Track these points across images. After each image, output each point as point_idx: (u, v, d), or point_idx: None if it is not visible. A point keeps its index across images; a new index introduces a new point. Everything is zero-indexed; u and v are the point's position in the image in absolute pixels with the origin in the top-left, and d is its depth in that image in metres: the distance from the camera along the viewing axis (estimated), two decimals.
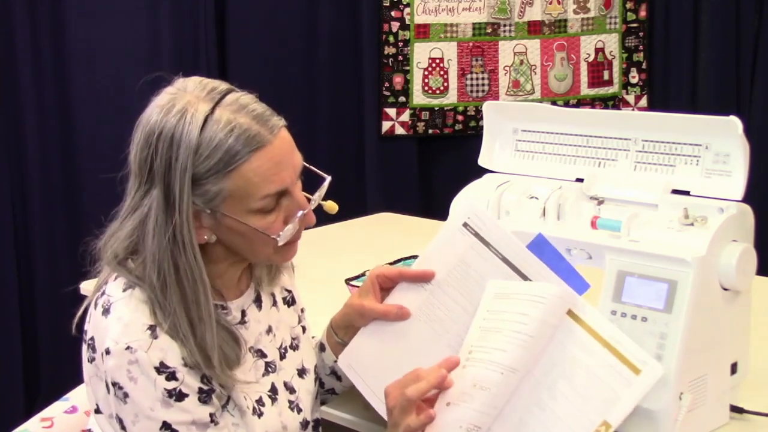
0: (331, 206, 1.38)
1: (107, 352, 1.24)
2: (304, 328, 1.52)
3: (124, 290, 1.28)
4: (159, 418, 1.24)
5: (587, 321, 1.34)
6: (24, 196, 3.29)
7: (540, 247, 1.40)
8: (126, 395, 1.24)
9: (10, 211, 3.24)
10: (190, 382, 1.26)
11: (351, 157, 3.74)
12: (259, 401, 1.35)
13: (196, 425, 1.26)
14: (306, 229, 1.36)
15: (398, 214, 3.02)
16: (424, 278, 1.42)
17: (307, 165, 1.34)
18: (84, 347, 1.30)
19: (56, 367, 3.32)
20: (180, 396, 1.25)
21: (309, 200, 1.33)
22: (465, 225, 1.43)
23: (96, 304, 1.29)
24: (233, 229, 1.28)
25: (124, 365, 1.23)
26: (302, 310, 1.53)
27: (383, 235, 2.72)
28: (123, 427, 1.27)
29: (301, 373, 1.46)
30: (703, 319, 1.39)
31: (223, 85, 1.29)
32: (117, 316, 1.25)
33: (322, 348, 1.53)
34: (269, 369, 1.40)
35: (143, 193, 1.27)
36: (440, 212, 1.85)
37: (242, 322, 1.38)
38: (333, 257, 2.45)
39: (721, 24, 3.66)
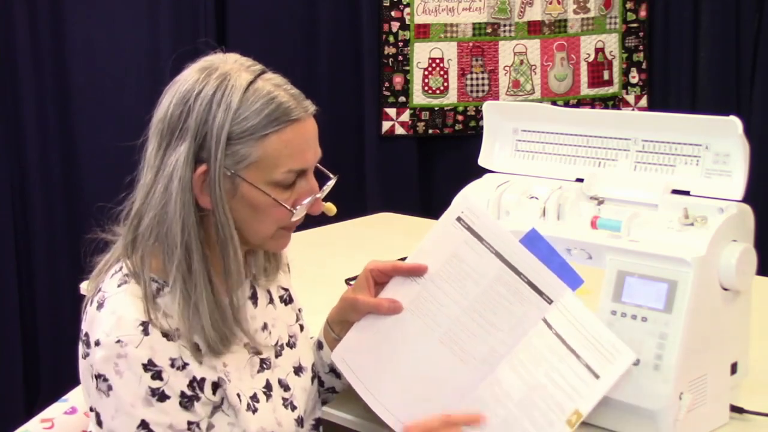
0: (330, 207, 1.40)
1: (97, 343, 1.24)
2: (301, 327, 1.52)
3: (119, 285, 1.28)
4: (138, 416, 1.24)
5: (559, 330, 1.36)
6: (24, 196, 3.29)
7: (533, 241, 1.41)
8: (110, 388, 1.24)
9: (10, 211, 3.24)
10: (174, 385, 1.25)
11: (351, 157, 3.74)
12: (254, 397, 1.35)
13: (173, 430, 1.25)
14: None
15: (398, 214, 3.02)
16: (417, 272, 1.43)
17: (317, 165, 1.38)
18: (79, 345, 1.30)
19: (56, 367, 3.32)
20: (162, 397, 1.24)
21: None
22: (458, 219, 1.43)
23: (92, 302, 1.30)
24: (247, 198, 1.28)
25: (112, 358, 1.23)
26: (299, 310, 1.53)
27: (383, 235, 2.72)
28: (99, 422, 1.26)
29: (298, 370, 1.46)
30: (703, 319, 1.39)
31: (259, 65, 1.33)
32: (110, 310, 1.26)
33: (320, 346, 1.53)
34: (264, 366, 1.40)
35: (171, 151, 1.27)
36: (440, 212, 1.84)
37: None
38: (333, 257, 2.45)
39: (721, 24, 3.66)
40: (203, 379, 1.28)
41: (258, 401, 1.36)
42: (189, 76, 1.29)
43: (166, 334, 1.25)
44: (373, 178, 3.73)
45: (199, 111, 1.26)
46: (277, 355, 1.43)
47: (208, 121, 1.25)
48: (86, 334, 1.28)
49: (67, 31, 3.31)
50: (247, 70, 1.30)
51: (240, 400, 1.32)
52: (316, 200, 1.35)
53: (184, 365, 1.26)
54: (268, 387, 1.39)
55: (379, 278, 1.46)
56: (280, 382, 1.42)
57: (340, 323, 1.49)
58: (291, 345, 1.47)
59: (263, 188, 1.28)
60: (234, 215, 1.30)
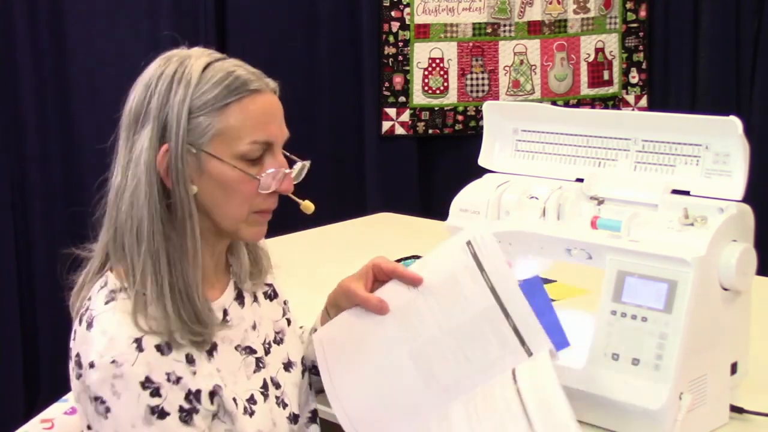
0: (307, 206, 1.39)
1: (91, 365, 1.22)
2: (288, 321, 1.50)
3: (107, 303, 1.27)
4: None
5: (522, 388, 1.31)
6: (24, 196, 3.29)
7: (533, 288, 1.37)
8: (108, 410, 1.22)
9: (10, 210, 3.24)
10: (172, 400, 1.24)
11: (351, 157, 3.74)
12: (251, 400, 1.34)
13: None
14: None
15: (398, 214, 3.02)
16: (412, 282, 1.41)
17: (285, 152, 1.35)
18: (71, 364, 1.29)
19: (56, 367, 3.32)
20: (162, 414, 1.23)
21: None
22: (468, 243, 1.39)
23: (81, 320, 1.28)
24: (214, 176, 1.28)
25: (108, 379, 1.21)
26: (285, 302, 1.52)
27: (383, 235, 2.72)
28: None
29: (288, 366, 1.45)
30: (703, 319, 1.39)
31: (220, 54, 1.35)
32: (101, 330, 1.24)
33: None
34: (260, 365, 1.39)
35: (137, 138, 1.28)
36: (440, 212, 1.85)
37: (225, 321, 1.37)
38: (333, 257, 2.45)
39: (721, 24, 3.66)
40: (198, 391, 1.26)
41: (255, 403, 1.35)
42: (151, 67, 1.32)
43: (159, 348, 1.24)
44: (373, 178, 3.73)
45: (161, 92, 1.27)
46: (267, 353, 1.42)
47: (170, 99, 1.27)
48: (77, 355, 1.26)
49: (67, 31, 3.31)
50: (208, 56, 1.32)
51: (236, 405, 1.31)
52: (286, 176, 1.33)
53: (178, 379, 1.24)
54: (264, 387, 1.38)
55: (380, 276, 1.45)
56: (271, 380, 1.41)
57: (334, 306, 1.49)
58: (278, 341, 1.45)
59: (229, 161, 1.28)
60: (204, 199, 1.29)
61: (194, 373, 1.27)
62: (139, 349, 1.22)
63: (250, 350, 1.39)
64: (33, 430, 1.59)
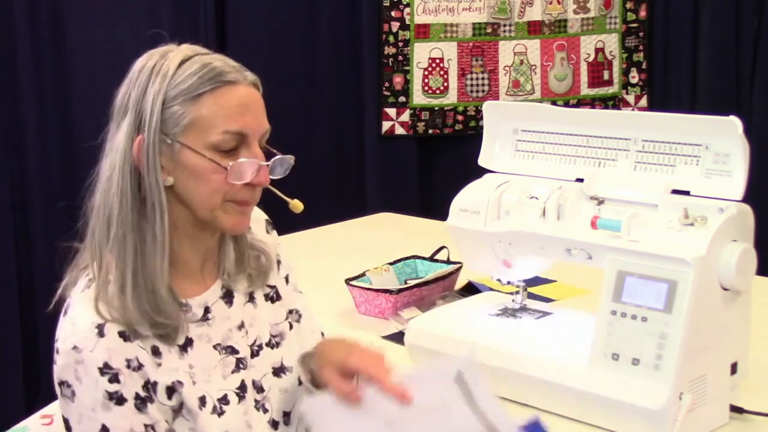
0: (296, 204, 1.38)
1: (56, 351, 1.25)
2: (291, 325, 1.46)
3: (82, 291, 1.29)
4: (99, 420, 1.24)
5: None
6: (24, 196, 3.29)
7: (533, 431, 1.31)
8: (73, 393, 1.24)
9: (10, 210, 3.24)
10: (130, 387, 1.25)
11: (351, 157, 3.74)
12: (223, 399, 1.32)
13: None
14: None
15: (398, 214, 3.02)
16: (401, 401, 1.27)
17: (269, 147, 1.34)
18: None
19: None
20: (120, 400, 1.24)
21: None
22: (459, 375, 1.28)
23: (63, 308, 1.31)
24: (188, 166, 1.28)
25: (71, 365, 1.23)
26: (292, 311, 1.48)
27: (383, 235, 2.72)
28: (69, 428, 1.27)
29: (279, 371, 1.41)
30: (703, 319, 1.39)
31: (206, 50, 1.35)
32: (70, 316, 1.27)
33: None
34: (240, 365, 1.37)
35: (117, 130, 1.31)
36: (440, 212, 1.85)
37: (204, 318, 1.35)
38: (333, 257, 2.45)
39: (721, 24, 3.66)
40: (156, 383, 1.26)
41: (227, 403, 1.33)
42: (137, 62, 1.34)
43: (123, 334, 1.24)
44: (373, 178, 3.73)
45: (140, 83, 1.30)
46: (254, 355, 1.39)
47: (147, 90, 1.28)
48: (56, 340, 1.28)
49: (67, 31, 3.31)
50: (191, 51, 1.32)
51: (204, 403, 1.30)
52: (261, 169, 1.30)
53: (140, 366, 1.25)
54: (242, 388, 1.36)
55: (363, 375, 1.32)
56: (254, 383, 1.38)
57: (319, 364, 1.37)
58: (272, 345, 1.42)
59: (202, 151, 1.27)
60: (180, 190, 1.29)
61: (159, 364, 1.27)
62: (101, 334, 1.24)
63: (231, 350, 1.36)
64: (33, 425, 1.60)
